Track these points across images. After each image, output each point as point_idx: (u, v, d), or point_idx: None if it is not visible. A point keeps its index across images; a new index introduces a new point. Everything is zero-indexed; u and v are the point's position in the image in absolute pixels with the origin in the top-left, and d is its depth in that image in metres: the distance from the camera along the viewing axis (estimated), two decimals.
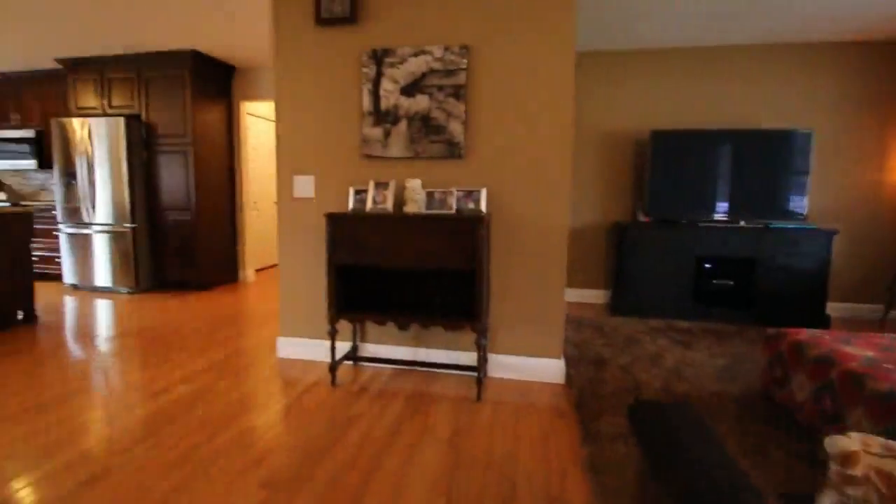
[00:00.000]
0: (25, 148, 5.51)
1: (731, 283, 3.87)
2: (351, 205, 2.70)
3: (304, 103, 2.85)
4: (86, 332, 3.44)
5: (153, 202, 4.88)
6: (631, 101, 4.32)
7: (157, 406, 2.34)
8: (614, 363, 2.82)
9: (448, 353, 2.80)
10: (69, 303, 4.40)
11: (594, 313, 4.17)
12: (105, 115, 4.89)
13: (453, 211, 2.47)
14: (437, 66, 2.54)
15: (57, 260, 5.27)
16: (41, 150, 5.51)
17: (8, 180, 6.11)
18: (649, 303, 3.94)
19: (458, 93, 2.53)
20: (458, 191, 2.51)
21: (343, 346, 2.95)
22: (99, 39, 4.29)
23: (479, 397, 2.43)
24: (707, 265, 3.91)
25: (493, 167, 2.60)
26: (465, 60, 2.51)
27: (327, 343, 2.96)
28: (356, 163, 2.80)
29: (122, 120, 4.59)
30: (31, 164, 5.52)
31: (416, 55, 2.57)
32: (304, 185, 2.89)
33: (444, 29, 2.57)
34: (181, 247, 4.86)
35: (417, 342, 2.86)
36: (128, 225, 4.70)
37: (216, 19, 3.75)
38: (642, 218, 4.08)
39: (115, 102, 4.85)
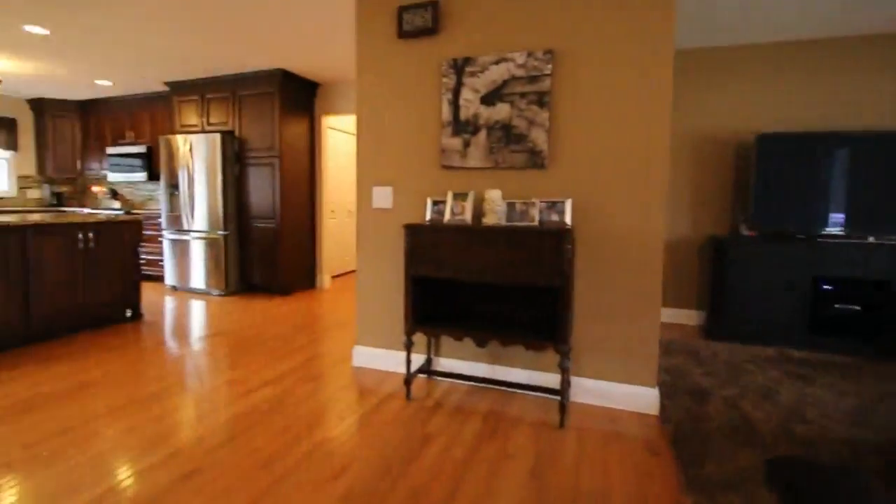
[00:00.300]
0: (137, 162, 6.12)
1: (858, 308, 3.34)
2: (428, 216, 2.66)
3: (384, 115, 2.86)
4: (182, 331, 3.70)
5: (242, 211, 5.19)
6: (731, 103, 3.93)
7: (244, 407, 2.41)
8: (717, 395, 2.52)
9: (526, 372, 2.66)
10: (169, 302, 4.78)
11: (686, 336, 3.81)
12: (204, 131, 5.30)
13: (536, 223, 2.34)
14: (519, 73, 2.44)
15: (160, 263, 5.77)
16: (150, 164, 6.09)
17: (122, 190, 6.82)
18: (754, 327, 3.51)
19: (541, 100, 2.40)
20: (540, 202, 2.38)
21: (417, 359, 2.90)
22: (200, 64, 4.65)
23: (561, 423, 2.27)
24: (827, 287, 3.41)
25: (578, 177, 2.44)
26: (549, 66, 2.38)
27: (402, 354, 2.93)
28: (434, 173, 2.76)
29: (218, 136, 4.94)
30: (141, 176, 6.11)
31: (497, 63, 2.48)
32: (383, 196, 2.89)
33: (526, 35, 2.46)
34: (265, 253, 5.12)
35: (494, 359, 2.74)
36: (220, 232, 5.04)
37: (303, 40, 3.92)
38: (745, 231, 3.66)
39: (213, 120, 5.24)
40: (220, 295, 5.14)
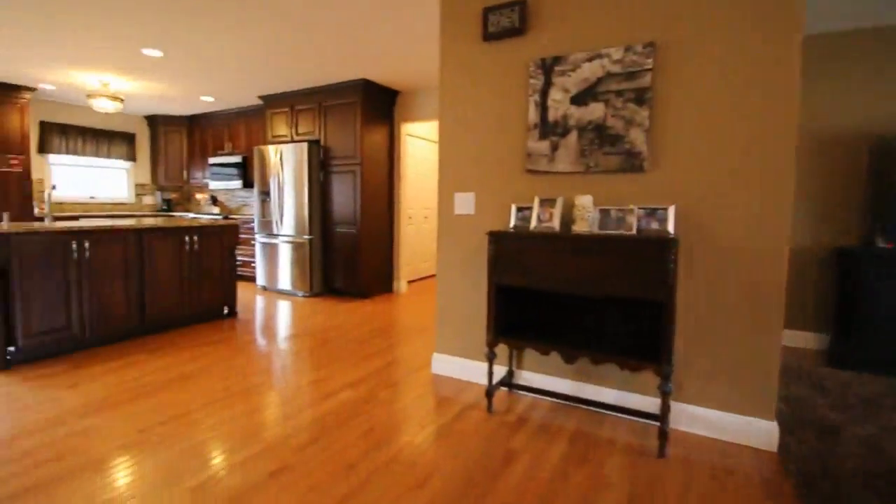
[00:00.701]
0: (234, 171, 6.61)
1: None
2: (513, 222, 2.56)
3: (467, 120, 2.81)
4: (271, 330, 3.89)
5: (326, 217, 5.40)
6: (864, 96, 3.42)
7: (327, 408, 2.46)
8: (850, 433, 2.17)
9: (618, 393, 2.46)
10: (259, 302, 5.07)
11: (806, 362, 3.37)
12: (293, 141, 5.59)
13: (633, 232, 2.15)
14: (615, 69, 2.27)
15: (252, 264, 6.17)
16: (245, 173, 6.54)
17: (221, 197, 7.39)
18: (892, 355, 3.01)
19: (640, 97, 2.22)
20: (639, 208, 2.19)
21: (498, 371, 2.80)
22: (290, 77, 4.91)
23: (661, 452, 2.06)
24: None
25: (683, 181, 2.21)
26: (650, 60, 2.19)
27: (483, 365, 2.84)
28: (519, 179, 2.65)
29: (305, 145, 5.19)
30: (237, 184, 6.59)
31: (589, 60, 2.33)
32: (465, 202, 2.83)
33: (623, 28, 2.28)
34: (346, 258, 5.28)
35: (581, 376, 2.57)
36: (306, 237, 5.27)
37: (385, 49, 3.99)
38: (882, 243, 3.15)
39: (301, 130, 5.51)
40: (304, 296, 5.38)
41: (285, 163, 5.37)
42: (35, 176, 6.11)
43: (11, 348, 2.93)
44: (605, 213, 2.24)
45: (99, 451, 2.03)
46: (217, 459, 1.99)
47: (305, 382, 2.82)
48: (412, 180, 6.31)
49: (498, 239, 2.36)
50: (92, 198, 6.77)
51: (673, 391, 2.31)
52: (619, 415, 2.44)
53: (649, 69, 2.19)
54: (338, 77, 4.95)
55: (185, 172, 7.32)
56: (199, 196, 7.67)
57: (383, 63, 4.44)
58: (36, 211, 5.82)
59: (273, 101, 5.73)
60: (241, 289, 5.84)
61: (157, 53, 4.21)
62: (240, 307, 4.80)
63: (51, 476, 1.85)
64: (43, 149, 6.13)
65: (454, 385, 2.83)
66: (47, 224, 3.16)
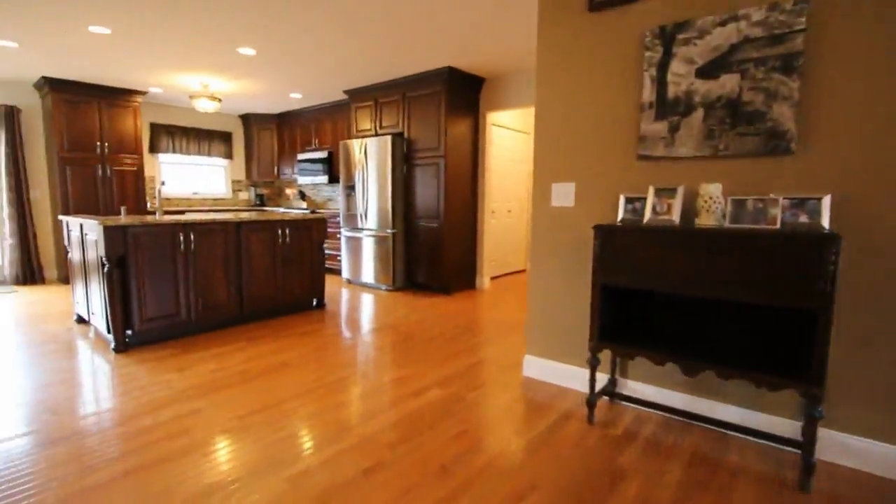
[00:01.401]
0: (320, 166, 6.81)
1: None
2: (621, 215, 2.30)
3: (568, 101, 2.57)
4: (357, 322, 3.91)
5: (409, 210, 5.38)
6: None
7: (415, 406, 2.37)
8: None
9: (744, 412, 2.14)
10: (344, 294, 5.17)
11: None
12: (376, 135, 5.63)
13: (777, 226, 1.82)
14: (754, 32, 1.93)
15: (338, 258, 6.33)
16: (331, 167, 6.73)
17: (308, 192, 7.69)
18: None
19: (788, 64, 1.86)
20: (783, 198, 1.85)
21: (599, 378, 2.56)
22: (374, 70, 4.92)
23: (803, 486, 1.73)
24: None
25: (842, 165, 1.84)
26: (801, 19, 1.83)
27: (579, 370, 2.62)
28: (629, 166, 2.38)
29: (388, 138, 5.19)
30: (323, 179, 6.79)
31: (722, 24, 2.00)
32: (564, 193, 2.61)
33: None
34: (429, 252, 5.22)
35: (697, 391, 2.27)
36: (389, 230, 5.29)
37: (472, 33, 3.83)
38: None
39: (385, 123, 5.53)
40: (387, 289, 5.41)
41: (369, 156, 5.42)
42: (147, 174, 6.71)
43: (129, 332, 3.16)
44: (739, 203, 1.92)
45: (203, 434, 2.09)
46: (310, 451, 1.97)
47: (394, 378, 2.76)
48: (496, 172, 6.13)
49: (606, 234, 2.12)
50: (195, 193, 7.32)
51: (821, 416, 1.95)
52: (746, 437, 2.12)
53: (801, 30, 1.83)
54: (421, 66, 4.88)
55: (275, 168, 7.70)
56: (288, 191, 8.04)
57: (469, 47, 4.29)
58: (148, 206, 6.39)
59: (357, 95, 5.81)
60: (328, 281, 6.02)
61: (250, 52, 4.37)
62: (327, 299, 4.92)
63: (163, 455, 1.93)
64: (153, 148, 6.71)
65: (548, 390, 2.64)
66: (157, 217, 3.38)
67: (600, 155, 2.47)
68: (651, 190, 2.16)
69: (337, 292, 5.29)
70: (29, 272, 5.48)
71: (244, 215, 4.07)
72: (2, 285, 5.35)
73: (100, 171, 5.68)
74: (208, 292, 3.51)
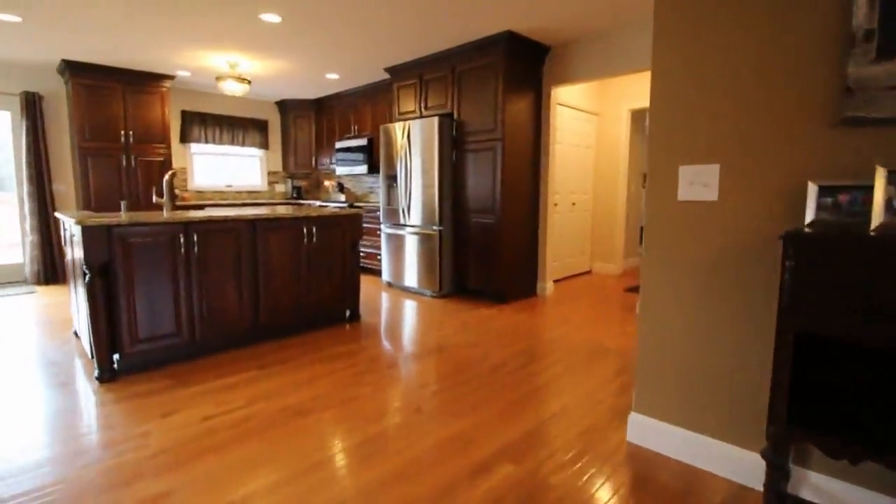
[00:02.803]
0: (359, 155, 6.14)
1: None
2: (811, 215, 1.42)
3: (708, 39, 1.69)
4: (398, 343, 3.18)
5: (458, 204, 4.59)
6: None
7: (482, 494, 1.59)
8: None
9: None
10: (384, 301, 4.47)
11: None
12: (421, 117, 4.86)
13: None
14: None
15: (378, 257, 5.65)
16: (370, 157, 6.04)
17: (347, 184, 7.06)
18: None
19: None
20: None
21: (747, 459, 1.68)
22: (418, 41, 4.14)
23: None
24: None
25: None
26: None
27: (723, 447, 1.75)
28: (821, 136, 1.48)
29: (435, 120, 4.41)
30: (362, 169, 6.12)
31: None
32: (700, 181, 1.73)
33: None
34: (482, 253, 4.42)
35: None
36: (435, 227, 4.53)
37: None
38: None
39: (431, 103, 4.75)
40: (432, 296, 4.67)
41: (413, 141, 4.66)
42: (178, 164, 6.27)
43: (117, 356, 2.56)
44: None
45: None
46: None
47: (443, 437, 1.99)
48: (559, 159, 5.23)
49: (811, 247, 1.25)
50: (228, 186, 6.86)
51: None
52: None
53: None
54: (475, 32, 4.05)
55: (313, 159, 7.11)
56: (327, 183, 7.45)
57: (535, 4, 3.42)
58: (176, 199, 5.93)
59: (400, 73, 5.05)
60: (367, 283, 5.35)
61: (275, 18, 3.70)
62: (363, 307, 4.23)
63: None
64: (185, 138, 6.25)
65: (672, 471, 1.79)
66: (153, 214, 2.75)
67: (765, 120, 1.58)
68: (881, 174, 1.26)
69: (375, 298, 4.59)
70: (51, 271, 5.12)
71: (262, 211, 3.42)
72: (22, 285, 5.02)
73: (124, 162, 5.24)
74: (215, 306, 2.87)
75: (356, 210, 3.68)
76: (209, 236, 2.80)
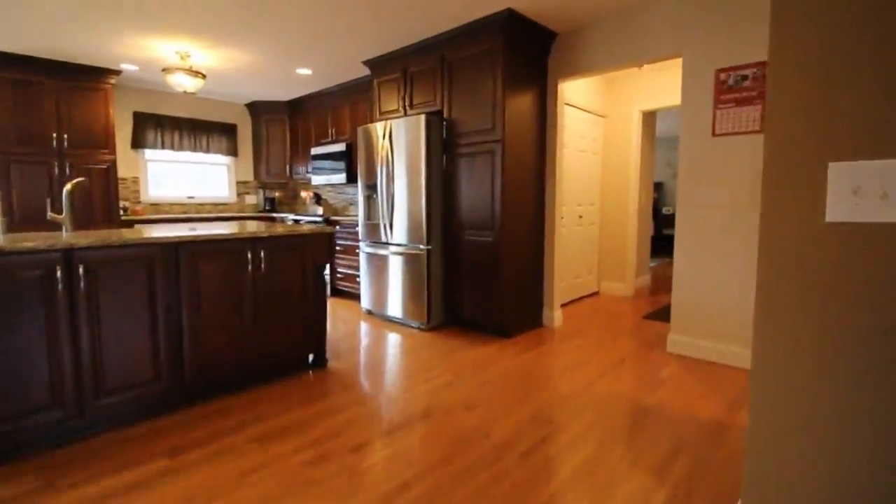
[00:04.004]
0: (338, 163, 5.41)
1: None
2: None
3: None
4: (374, 404, 2.42)
5: (450, 218, 3.86)
6: None
7: None
8: None
9: None
10: (362, 335, 3.71)
11: None
12: (406, 116, 4.14)
13: None
14: None
15: (358, 279, 4.89)
16: (349, 164, 5.31)
17: (325, 195, 6.30)
18: None
19: None
20: None
21: None
22: (401, 26, 3.44)
23: None
24: None
25: None
26: None
27: None
28: None
29: (422, 118, 3.69)
30: (341, 178, 5.37)
31: None
32: (868, 187, 1.01)
33: None
34: (479, 277, 3.69)
35: None
36: (422, 247, 3.79)
37: None
38: None
39: (417, 100, 4.04)
40: (419, 328, 3.91)
41: (396, 144, 3.93)
42: (129, 174, 5.48)
43: None
44: None
45: None
46: None
47: None
48: (564, 167, 4.54)
49: None
50: (190, 198, 6.07)
51: None
52: None
53: None
54: (468, 13, 3.36)
55: (287, 167, 6.36)
56: (303, 194, 6.69)
57: None
58: (122, 214, 5.14)
59: (381, 66, 4.35)
60: (345, 308, 4.58)
61: None
62: (335, 344, 3.46)
63: None
64: (137, 143, 5.47)
65: None
66: (28, 237, 1.98)
67: None
68: None
69: (351, 332, 3.82)
70: None
71: (189, 231, 2.67)
72: None
73: (56, 171, 4.45)
74: (115, 363, 2.09)
75: (321, 228, 2.93)
76: (106, 267, 2.03)
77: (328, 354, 3.21)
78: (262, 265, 2.60)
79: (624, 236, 5.25)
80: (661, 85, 4.81)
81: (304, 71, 4.81)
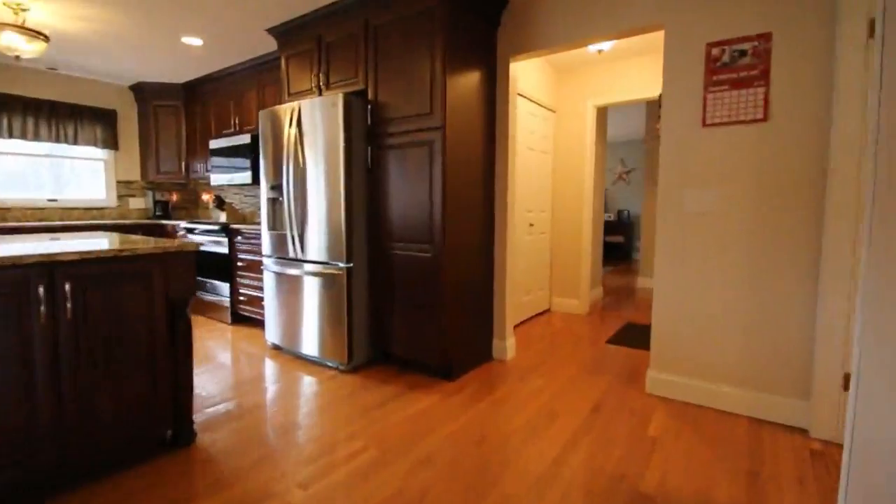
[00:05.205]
0: (243, 161, 4.41)
1: None
2: None
3: None
4: None
5: (378, 228, 3.04)
6: None
7: None
8: None
9: None
10: (263, 381, 2.79)
11: None
12: (321, 95, 3.28)
13: None
14: None
15: (263, 302, 3.92)
16: (257, 159, 4.34)
17: (231, 198, 5.25)
18: None
19: None
20: None
21: None
22: None
23: None
24: None
25: None
26: None
27: None
28: None
29: (339, 98, 2.85)
30: (245, 177, 4.38)
31: None
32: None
33: None
34: (414, 302, 2.90)
35: None
36: (342, 265, 2.94)
37: None
38: None
39: (334, 77, 3.19)
40: (338, 369, 3.05)
41: (307, 132, 3.06)
42: None
43: None
44: None
45: None
46: None
47: None
48: (515, 167, 3.88)
49: None
50: (52, 201, 4.79)
51: None
52: None
53: None
54: None
55: (182, 164, 5.24)
56: (205, 197, 5.58)
57: None
58: None
59: (289, 35, 3.45)
60: (247, 341, 3.60)
61: None
62: (220, 399, 2.52)
63: None
64: None
65: None
66: None
67: None
68: None
69: (246, 379, 2.88)
70: None
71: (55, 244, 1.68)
72: None
73: None
74: None
75: (180, 245, 2.00)
76: None
77: (200, 422, 2.28)
78: (78, 306, 1.64)
79: (578, 247, 4.67)
80: (617, 78, 4.30)
81: (193, 40, 3.80)
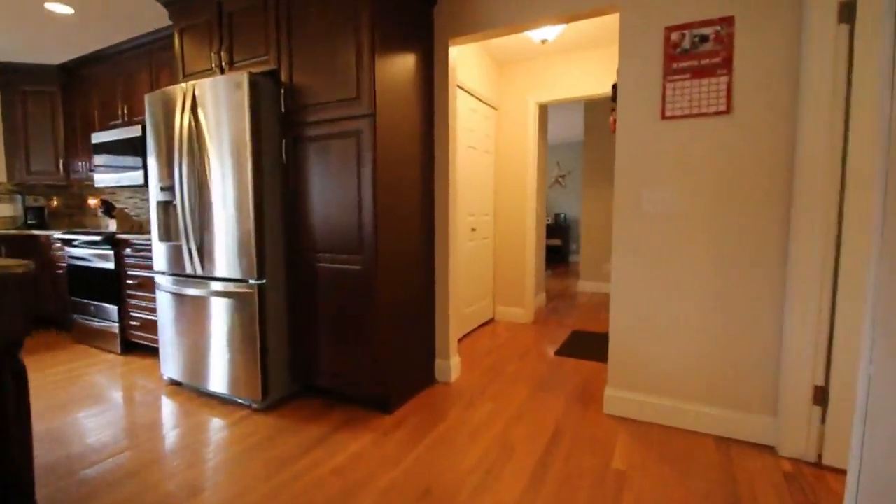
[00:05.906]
0: (134, 159, 3.71)
1: None
2: None
3: None
4: None
5: (296, 237, 2.55)
6: None
7: None
8: None
9: None
10: (155, 431, 2.21)
11: None
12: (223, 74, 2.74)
13: None
14: None
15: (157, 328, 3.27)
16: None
17: (122, 202, 4.47)
18: None
19: None
20: None
21: None
22: None
23: None
24: None
25: None
26: None
27: None
28: None
29: (244, 77, 2.34)
30: (136, 176, 3.69)
31: None
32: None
33: None
34: (342, 322, 2.44)
35: None
36: (252, 281, 2.42)
37: None
38: None
39: (239, 55, 2.67)
40: (252, 408, 2.52)
41: (205, 119, 2.51)
42: None
43: None
44: None
45: None
46: None
47: None
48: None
49: None
50: None
51: None
52: None
53: None
54: None
55: (60, 162, 4.39)
56: (92, 202, 4.73)
57: None
58: None
59: (182, 4, 2.87)
60: (140, 375, 2.95)
61: None
62: (94, 456, 1.92)
63: None
64: None
65: None
66: None
67: None
68: None
69: (130, 427, 2.28)
70: None
71: None
72: None
73: None
74: None
75: (11, 265, 1.43)
76: None
77: (69, 493, 1.69)
78: None
79: (522, 253, 4.42)
80: (560, 74, 4.10)
81: (60, 7, 3.09)
